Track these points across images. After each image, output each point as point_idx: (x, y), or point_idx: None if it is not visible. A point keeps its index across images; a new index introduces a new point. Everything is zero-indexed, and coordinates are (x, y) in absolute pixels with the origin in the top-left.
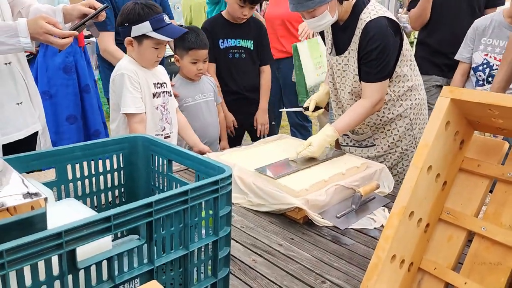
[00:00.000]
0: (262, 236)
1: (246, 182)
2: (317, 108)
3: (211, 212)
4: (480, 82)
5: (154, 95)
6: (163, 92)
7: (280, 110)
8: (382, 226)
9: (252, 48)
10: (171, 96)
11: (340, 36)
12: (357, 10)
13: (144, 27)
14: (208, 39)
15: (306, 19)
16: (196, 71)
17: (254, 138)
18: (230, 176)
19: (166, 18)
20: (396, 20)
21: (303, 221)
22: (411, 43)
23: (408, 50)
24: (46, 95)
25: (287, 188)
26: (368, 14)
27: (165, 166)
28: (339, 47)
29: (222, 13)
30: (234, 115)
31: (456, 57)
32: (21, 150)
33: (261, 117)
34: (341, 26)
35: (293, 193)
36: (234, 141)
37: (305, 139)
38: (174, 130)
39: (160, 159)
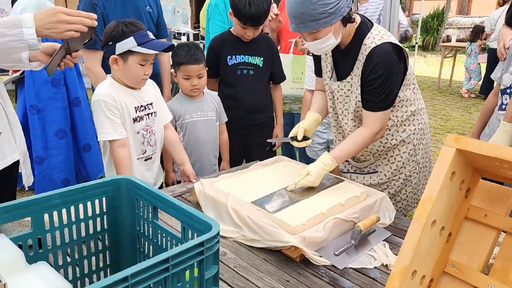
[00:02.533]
0: (255, 278)
1: (240, 214)
2: (305, 138)
3: (196, 274)
4: (503, 106)
5: (135, 119)
6: (147, 114)
7: (267, 140)
8: (383, 265)
9: (261, 65)
10: (156, 116)
11: (341, 61)
12: (360, 34)
13: (129, 43)
14: (214, 57)
15: (307, 41)
16: (190, 87)
17: (248, 159)
18: (218, 234)
19: (150, 34)
20: (401, 45)
21: (299, 260)
22: (412, 46)
23: (411, 74)
24: (34, 109)
25: (283, 223)
26: (372, 40)
27: (150, 213)
28: (341, 72)
29: (231, 29)
30: (235, 133)
31: (491, 75)
32: (1, 181)
33: (280, 132)
34: (342, 50)
35: (290, 229)
36: (236, 161)
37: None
38: (157, 151)
39: (145, 204)
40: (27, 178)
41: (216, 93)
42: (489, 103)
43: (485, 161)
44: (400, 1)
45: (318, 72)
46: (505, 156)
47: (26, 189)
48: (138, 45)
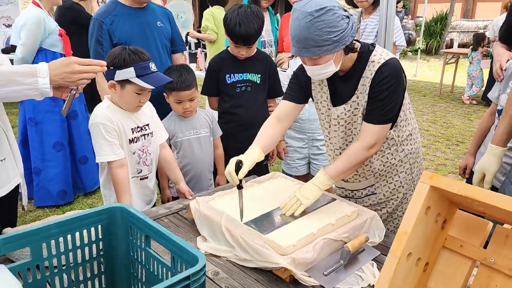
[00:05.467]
0: None
1: (233, 234)
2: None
3: None
4: None
5: (131, 140)
6: (143, 135)
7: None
8: (369, 285)
9: (258, 82)
10: (153, 136)
11: (342, 86)
12: (365, 55)
13: (128, 73)
14: (215, 76)
15: (307, 65)
16: (182, 110)
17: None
18: (204, 267)
19: (152, 66)
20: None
21: (289, 280)
22: (415, 51)
23: (406, 92)
24: (32, 121)
25: (274, 244)
26: (380, 56)
27: (142, 241)
28: (341, 97)
29: (229, 48)
30: (232, 147)
31: (488, 95)
32: (5, 205)
33: (280, 144)
34: (343, 76)
35: (280, 250)
36: None
37: None
38: (153, 170)
39: (138, 233)
40: (25, 199)
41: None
42: (485, 122)
43: (458, 197)
44: (404, 5)
45: (293, 96)
46: (474, 196)
47: (25, 209)
48: (137, 76)
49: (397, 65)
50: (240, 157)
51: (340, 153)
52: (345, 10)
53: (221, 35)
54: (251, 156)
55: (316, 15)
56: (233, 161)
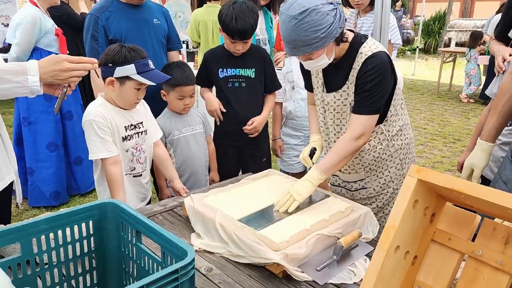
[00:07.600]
0: None
1: (227, 230)
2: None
3: None
4: None
5: (124, 138)
6: (137, 133)
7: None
8: (362, 280)
9: (253, 77)
10: (147, 134)
11: (334, 73)
12: (355, 46)
13: (129, 69)
14: (208, 69)
15: (302, 60)
16: (183, 106)
17: (245, 169)
18: (193, 260)
19: (150, 63)
20: (391, 59)
21: (282, 275)
22: (414, 49)
23: (400, 89)
24: (26, 121)
25: (267, 239)
26: (368, 48)
27: (133, 236)
28: (334, 84)
29: (224, 45)
30: (229, 144)
31: (486, 91)
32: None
33: (258, 124)
34: (335, 65)
35: (273, 246)
36: (231, 172)
37: None
38: (147, 168)
39: (129, 228)
40: (19, 197)
41: (199, 106)
42: (484, 118)
43: (446, 190)
44: (403, 4)
45: (308, 86)
46: (461, 188)
47: (20, 207)
48: (138, 73)
49: (383, 58)
50: (311, 144)
51: (335, 141)
52: (331, 3)
53: (204, 38)
54: (317, 141)
55: (300, 18)
56: (307, 149)
